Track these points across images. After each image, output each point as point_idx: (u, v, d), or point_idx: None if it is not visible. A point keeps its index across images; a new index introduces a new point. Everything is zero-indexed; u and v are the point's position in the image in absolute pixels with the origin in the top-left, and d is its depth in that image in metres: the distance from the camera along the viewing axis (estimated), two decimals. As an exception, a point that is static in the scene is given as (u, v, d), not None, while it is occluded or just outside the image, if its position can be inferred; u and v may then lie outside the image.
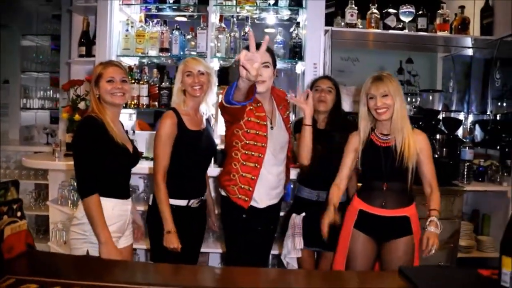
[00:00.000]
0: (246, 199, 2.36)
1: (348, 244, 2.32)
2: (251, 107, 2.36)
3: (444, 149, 3.35)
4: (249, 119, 2.35)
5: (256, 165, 2.35)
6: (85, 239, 2.08)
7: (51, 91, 5.07)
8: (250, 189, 2.35)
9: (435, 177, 2.31)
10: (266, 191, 2.41)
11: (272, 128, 2.42)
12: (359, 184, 2.52)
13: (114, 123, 2.17)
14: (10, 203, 1.41)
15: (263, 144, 2.36)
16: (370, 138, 2.32)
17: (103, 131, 2.06)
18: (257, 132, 2.36)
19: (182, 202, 2.41)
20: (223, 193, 2.47)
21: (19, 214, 1.44)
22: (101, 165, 2.06)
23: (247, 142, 2.35)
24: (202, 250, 2.73)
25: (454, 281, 1.53)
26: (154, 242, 2.47)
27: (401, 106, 2.22)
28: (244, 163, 2.36)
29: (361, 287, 1.59)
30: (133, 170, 3.04)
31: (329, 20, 3.51)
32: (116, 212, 2.14)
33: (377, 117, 2.26)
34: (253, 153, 2.35)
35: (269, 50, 2.41)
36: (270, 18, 3.67)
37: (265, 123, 2.38)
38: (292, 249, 2.59)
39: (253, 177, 2.35)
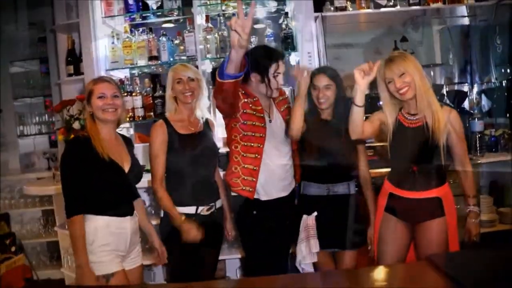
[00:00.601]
0: (250, 189, 2.36)
1: (379, 228, 2.29)
2: (246, 100, 2.38)
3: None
4: (245, 111, 2.36)
5: (257, 155, 2.36)
6: None
7: (46, 115, 4.99)
8: (253, 179, 2.35)
9: (467, 157, 2.25)
10: (273, 182, 2.40)
11: (270, 121, 2.43)
12: (387, 170, 2.43)
13: (109, 139, 2.14)
14: (1, 239, 1.32)
15: (261, 135, 2.37)
16: (398, 119, 2.24)
17: (87, 149, 2.03)
18: (254, 123, 2.37)
19: (191, 210, 2.36)
20: (232, 193, 2.45)
21: (13, 248, 1.36)
22: (88, 184, 2.02)
23: (245, 133, 2.36)
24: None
25: (498, 266, 1.40)
26: (169, 255, 2.41)
27: (422, 81, 2.14)
28: (245, 154, 2.37)
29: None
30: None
31: (318, 7, 3.38)
32: (112, 230, 2.08)
33: (401, 98, 2.18)
34: (252, 144, 2.36)
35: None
36: (257, 11, 3.55)
37: (262, 115, 2.39)
38: (307, 254, 2.43)
39: (255, 168, 2.35)
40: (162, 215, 2.42)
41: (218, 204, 2.48)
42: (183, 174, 2.37)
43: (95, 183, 2.04)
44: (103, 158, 2.03)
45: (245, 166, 2.38)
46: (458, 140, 2.20)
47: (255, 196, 2.39)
